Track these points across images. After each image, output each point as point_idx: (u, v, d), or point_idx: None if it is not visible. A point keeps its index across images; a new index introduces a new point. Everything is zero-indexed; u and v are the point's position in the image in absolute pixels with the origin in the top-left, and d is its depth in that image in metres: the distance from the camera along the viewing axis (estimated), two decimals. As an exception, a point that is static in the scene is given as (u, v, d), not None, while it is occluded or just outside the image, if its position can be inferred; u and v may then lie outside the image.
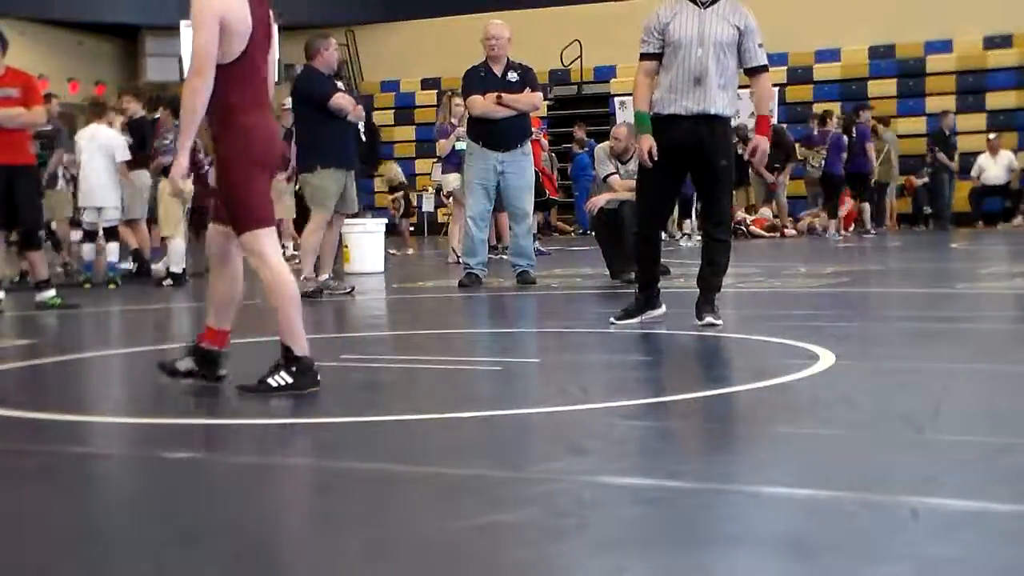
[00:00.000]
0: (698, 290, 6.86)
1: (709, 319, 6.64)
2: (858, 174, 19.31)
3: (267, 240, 4.95)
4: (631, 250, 9.80)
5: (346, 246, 12.53)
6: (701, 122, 6.64)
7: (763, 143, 6.92)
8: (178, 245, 11.86)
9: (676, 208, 17.32)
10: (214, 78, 4.81)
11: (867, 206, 19.56)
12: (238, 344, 5.46)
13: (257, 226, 4.91)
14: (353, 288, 10.05)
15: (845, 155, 19.05)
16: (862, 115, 19.73)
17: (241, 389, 4.93)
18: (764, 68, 6.86)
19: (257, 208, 4.94)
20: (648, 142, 6.63)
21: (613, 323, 6.92)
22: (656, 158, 6.57)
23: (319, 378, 4.91)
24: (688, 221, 18.69)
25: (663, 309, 6.97)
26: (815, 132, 19.68)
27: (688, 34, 6.60)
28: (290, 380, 4.82)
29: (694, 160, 6.76)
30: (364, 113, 10.33)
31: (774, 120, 20.54)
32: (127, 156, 11.91)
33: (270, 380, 4.84)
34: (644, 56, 6.79)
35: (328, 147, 9.78)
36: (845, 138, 19.14)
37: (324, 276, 9.85)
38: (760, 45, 6.80)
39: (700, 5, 6.65)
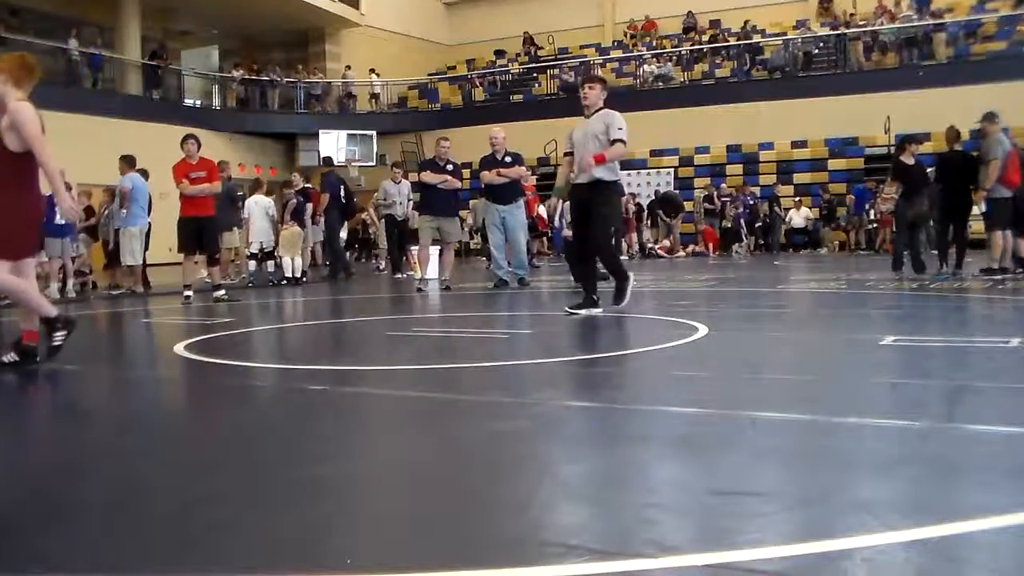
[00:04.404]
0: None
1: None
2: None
3: (5, 266, 4.37)
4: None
5: (415, 261, 12.46)
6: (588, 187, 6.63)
7: (589, 160, 6.52)
8: (287, 262, 12.08)
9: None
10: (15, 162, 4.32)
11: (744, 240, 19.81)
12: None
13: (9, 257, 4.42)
14: (448, 287, 9.87)
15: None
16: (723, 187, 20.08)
17: (48, 354, 4.51)
18: (615, 141, 6.55)
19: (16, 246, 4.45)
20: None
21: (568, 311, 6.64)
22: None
23: (71, 318, 4.66)
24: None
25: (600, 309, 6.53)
26: (735, 195, 19.88)
27: (579, 137, 6.78)
28: (65, 332, 4.54)
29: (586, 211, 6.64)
30: (458, 183, 9.97)
31: (662, 186, 21.06)
32: (274, 213, 12.22)
33: (54, 342, 4.50)
34: (566, 154, 7.03)
35: (423, 203, 10.17)
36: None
37: (444, 277, 9.94)
38: (620, 128, 6.51)
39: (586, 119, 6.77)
